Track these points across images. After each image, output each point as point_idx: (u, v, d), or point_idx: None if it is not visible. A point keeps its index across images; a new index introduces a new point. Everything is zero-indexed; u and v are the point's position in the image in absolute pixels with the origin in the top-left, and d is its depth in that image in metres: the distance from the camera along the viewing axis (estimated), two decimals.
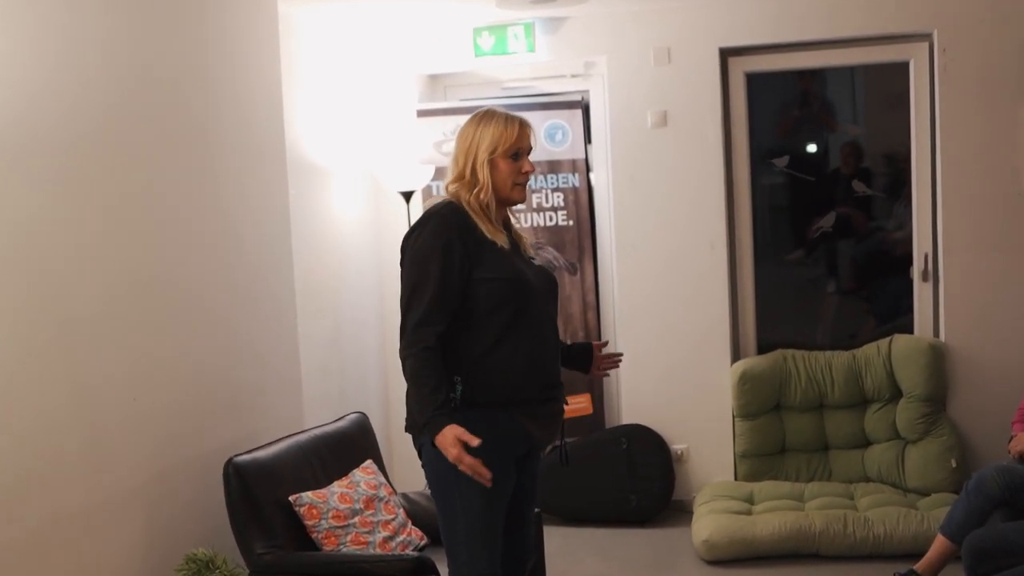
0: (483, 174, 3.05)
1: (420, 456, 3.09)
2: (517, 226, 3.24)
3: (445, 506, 3.03)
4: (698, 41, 5.39)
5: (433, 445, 2.90)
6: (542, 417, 3.10)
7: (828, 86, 6.08)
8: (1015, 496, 3.93)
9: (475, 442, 2.82)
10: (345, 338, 5.32)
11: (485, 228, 3.03)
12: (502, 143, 3.05)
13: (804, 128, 6.06)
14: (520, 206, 5.47)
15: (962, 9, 5.10)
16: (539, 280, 3.12)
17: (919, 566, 4.16)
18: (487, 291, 2.98)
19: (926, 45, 5.26)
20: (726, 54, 5.45)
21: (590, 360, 3.35)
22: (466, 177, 3.07)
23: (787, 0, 5.27)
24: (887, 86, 5.87)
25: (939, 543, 4.09)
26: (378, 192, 5.64)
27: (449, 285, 2.94)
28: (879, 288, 6.02)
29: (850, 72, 5.94)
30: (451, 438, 2.84)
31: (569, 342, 3.39)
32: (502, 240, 3.05)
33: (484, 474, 2.85)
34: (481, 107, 3.19)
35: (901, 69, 5.41)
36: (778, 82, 5.79)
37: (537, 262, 3.21)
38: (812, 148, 6.05)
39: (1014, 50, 5.04)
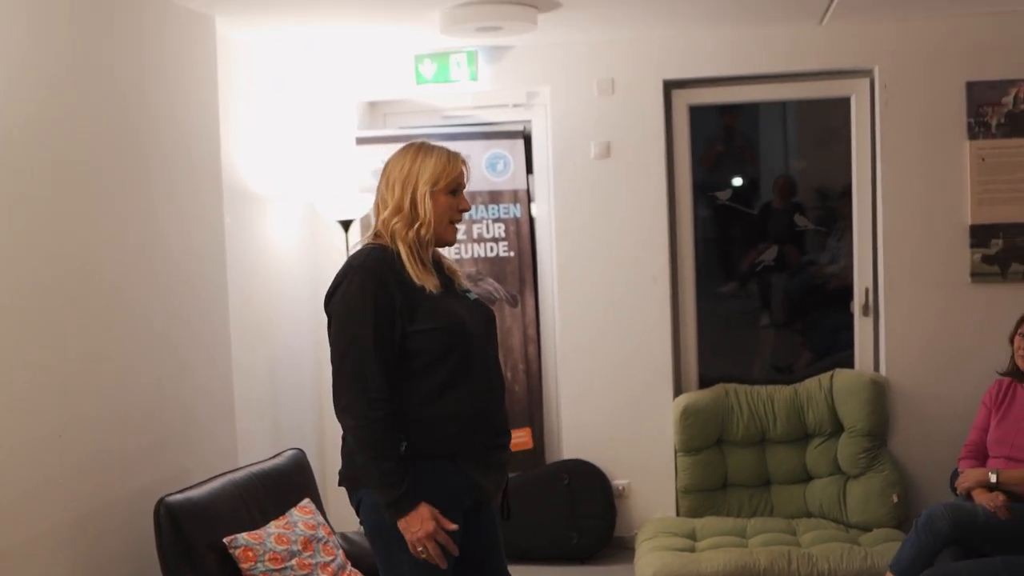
0: (424, 208, 2.88)
1: (358, 512, 2.92)
2: (448, 260, 3.08)
3: (390, 563, 2.87)
4: (642, 73, 5.36)
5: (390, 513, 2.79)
6: (489, 467, 2.95)
7: (760, 121, 6.09)
8: (965, 534, 3.91)
9: (452, 527, 2.77)
10: (281, 370, 5.15)
11: (414, 272, 2.85)
12: (444, 177, 2.91)
13: (727, 162, 6.07)
14: (461, 236, 5.53)
15: (903, 45, 5.14)
16: (477, 320, 2.97)
17: None
18: (423, 343, 2.83)
19: (867, 81, 5.30)
20: (670, 86, 5.43)
21: None
22: (404, 210, 2.89)
23: (731, 34, 5.27)
24: (820, 121, 5.90)
25: None
26: (316, 220, 5.50)
27: (385, 343, 2.79)
28: (813, 322, 6.03)
29: (782, 107, 5.96)
30: (427, 513, 2.75)
31: None
32: (432, 283, 2.87)
33: (444, 556, 2.78)
34: (416, 137, 3.05)
35: (834, 105, 5.44)
36: (701, 117, 5.74)
37: (473, 296, 3.06)
38: (738, 182, 6.06)
39: (955, 86, 5.09)
